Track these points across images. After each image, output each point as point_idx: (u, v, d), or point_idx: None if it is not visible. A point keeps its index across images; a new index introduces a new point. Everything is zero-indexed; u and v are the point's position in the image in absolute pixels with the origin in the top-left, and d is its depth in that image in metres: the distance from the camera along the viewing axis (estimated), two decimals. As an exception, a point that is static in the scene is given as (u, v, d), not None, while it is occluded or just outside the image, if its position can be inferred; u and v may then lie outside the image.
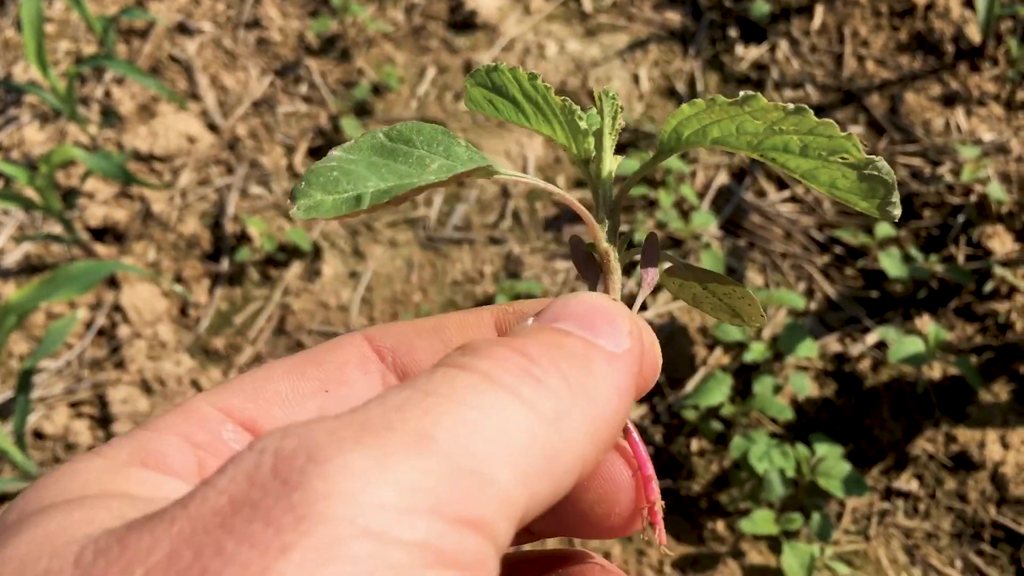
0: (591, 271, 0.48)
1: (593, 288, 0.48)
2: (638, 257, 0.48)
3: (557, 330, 0.38)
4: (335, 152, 0.43)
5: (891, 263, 1.94)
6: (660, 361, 0.43)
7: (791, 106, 0.41)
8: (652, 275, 0.48)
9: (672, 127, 0.44)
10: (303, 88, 2.50)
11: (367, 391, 0.43)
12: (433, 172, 0.43)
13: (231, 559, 0.27)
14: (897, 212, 0.41)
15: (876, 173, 0.41)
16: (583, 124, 0.46)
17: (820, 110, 2.27)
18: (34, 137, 2.48)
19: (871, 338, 1.92)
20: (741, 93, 0.41)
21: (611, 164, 0.47)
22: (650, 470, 0.44)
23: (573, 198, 0.46)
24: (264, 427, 0.41)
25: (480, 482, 0.30)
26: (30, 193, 2.28)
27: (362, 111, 2.42)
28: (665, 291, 2.05)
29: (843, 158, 0.41)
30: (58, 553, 0.29)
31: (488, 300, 2.07)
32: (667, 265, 0.49)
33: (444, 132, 0.45)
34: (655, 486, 0.44)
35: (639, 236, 2.06)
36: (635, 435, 0.44)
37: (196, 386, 2.00)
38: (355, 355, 0.44)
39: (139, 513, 0.31)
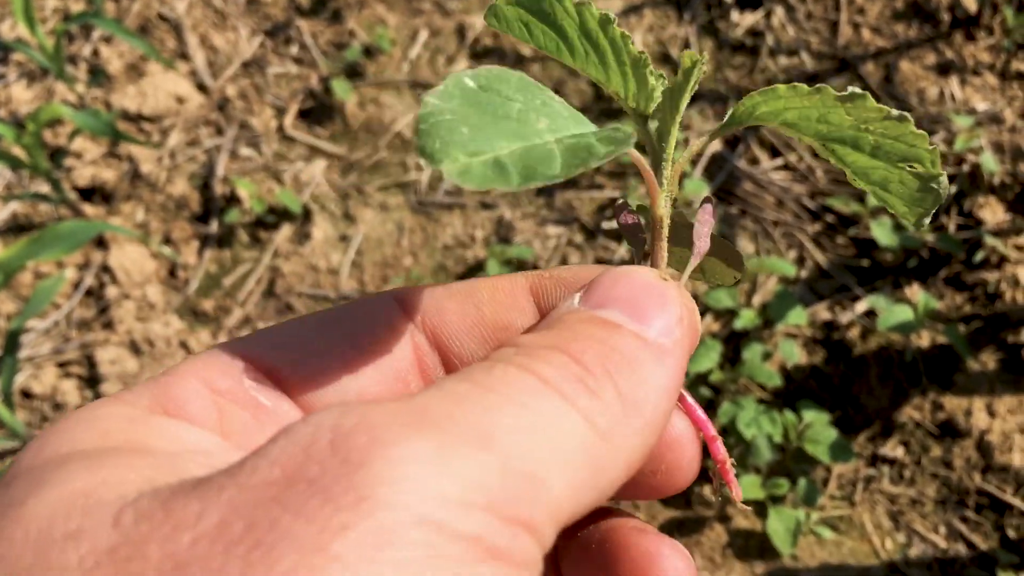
0: (637, 239, 0.47)
1: (639, 258, 0.46)
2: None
3: (607, 323, 0.37)
4: (433, 100, 0.36)
5: (882, 232, 1.94)
6: (700, 329, 0.42)
7: (895, 112, 0.39)
8: (705, 242, 0.46)
9: (751, 103, 0.43)
10: (294, 49, 2.48)
11: (397, 347, 0.43)
12: (548, 131, 0.38)
13: (285, 534, 0.26)
14: (928, 221, 0.41)
15: (936, 187, 0.40)
16: (652, 80, 0.43)
17: (815, 77, 2.26)
18: (21, 95, 2.45)
19: (861, 306, 1.93)
20: (850, 89, 0.40)
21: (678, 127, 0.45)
22: (712, 431, 0.44)
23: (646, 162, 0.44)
24: (289, 377, 0.41)
25: (535, 486, 0.30)
26: (17, 152, 2.25)
27: (353, 73, 2.40)
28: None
29: (911, 167, 0.40)
30: (91, 512, 0.28)
31: (479, 265, 2.06)
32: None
33: (530, 83, 0.40)
34: (720, 445, 0.44)
35: (630, 202, 2.05)
36: (690, 400, 0.44)
37: (185, 348, 1.99)
38: (383, 312, 0.44)
39: (165, 472, 0.30)
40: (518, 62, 2.36)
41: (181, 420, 0.36)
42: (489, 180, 0.34)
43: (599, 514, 0.45)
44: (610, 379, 0.34)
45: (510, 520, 0.29)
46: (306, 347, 0.41)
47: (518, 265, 2.01)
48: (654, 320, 0.37)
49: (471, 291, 0.44)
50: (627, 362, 0.35)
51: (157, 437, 0.34)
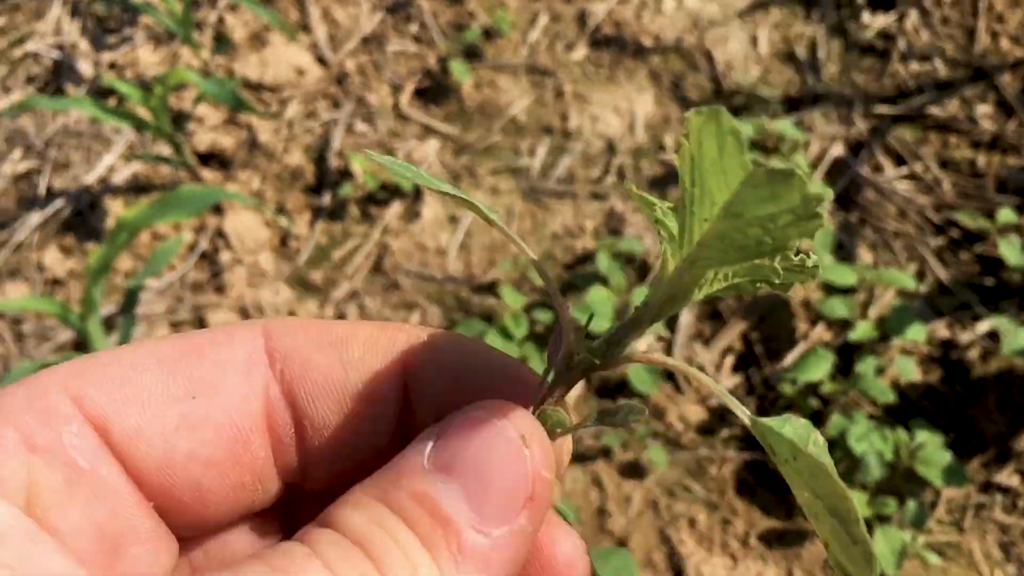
0: (552, 359, 0.43)
1: (542, 378, 0.43)
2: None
3: (437, 516, 0.35)
4: None
5: (1010, 250, 1.86)
6: (553, 497, 0.39)
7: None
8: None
9: None
10: (413, 27, 2.48)
11: (243, 402, 0.40)
12: None
13: None
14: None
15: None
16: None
17: (947, 85, 2.17)
18: (147, 58, 2.51)
19: (983, 327, 1.86)
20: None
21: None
22: None
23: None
24: (115, 431, 0.38)
25: None
26: (142, 113, 2.31)
27: (471, 54, 2.40)
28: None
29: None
30: None
31: (587, 256, 2.05)
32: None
33: None
34: None
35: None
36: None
37: (293, 316, 2.02)
38: (243, 354, 0.41)
39: None
40: (638, 53, 2.33)
41: None
42: None
43: None
44: None
45: None
46: (143, 392, 0.39)
47: (627, 259, 1.99)
48: (495, 507, 0.36)
49: (345, 343, 0.42)
50: None
51: None
